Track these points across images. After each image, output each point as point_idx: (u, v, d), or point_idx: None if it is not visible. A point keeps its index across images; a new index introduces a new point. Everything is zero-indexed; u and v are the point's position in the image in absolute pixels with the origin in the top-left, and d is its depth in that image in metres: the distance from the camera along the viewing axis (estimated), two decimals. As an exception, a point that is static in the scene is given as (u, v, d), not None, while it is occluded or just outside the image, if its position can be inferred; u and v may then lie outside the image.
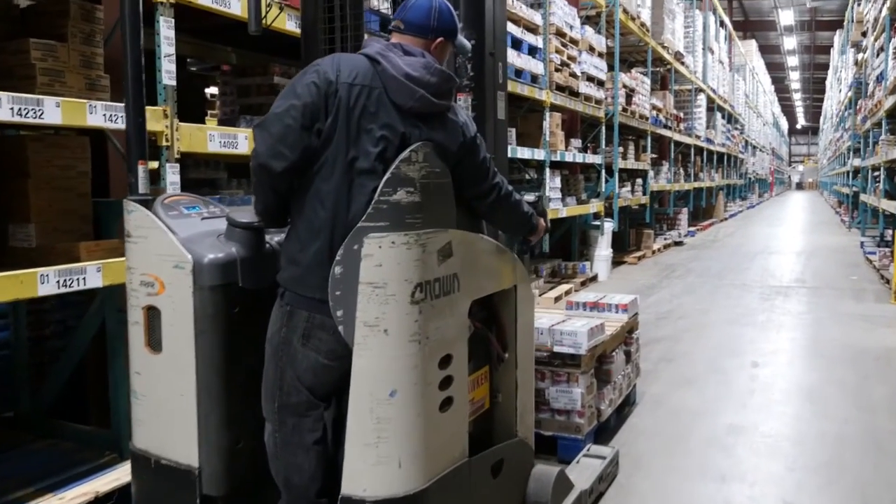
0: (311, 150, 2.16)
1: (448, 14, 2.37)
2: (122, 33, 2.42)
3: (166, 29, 3.30)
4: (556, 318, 4.11)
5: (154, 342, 2.38)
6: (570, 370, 3.79)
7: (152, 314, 2.37)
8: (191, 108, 5.36)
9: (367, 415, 2.05)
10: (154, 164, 3.24)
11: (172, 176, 3.36)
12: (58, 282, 2.90)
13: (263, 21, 2.82)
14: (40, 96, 2.80)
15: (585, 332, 3.76)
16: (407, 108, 2.20)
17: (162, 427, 2.42)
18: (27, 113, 2.73)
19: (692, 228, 17.45)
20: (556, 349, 3.80)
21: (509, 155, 7.19)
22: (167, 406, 2.39)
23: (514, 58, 7.03)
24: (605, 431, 4.15)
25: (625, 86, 11.35)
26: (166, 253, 2.33)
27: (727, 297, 8.96)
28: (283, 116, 2.15)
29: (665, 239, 15.05)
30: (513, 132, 7.62)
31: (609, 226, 10.59)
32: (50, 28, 3.19)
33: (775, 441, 4.16)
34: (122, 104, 3.19)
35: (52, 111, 2.82)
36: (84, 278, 2.99)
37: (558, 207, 8.63)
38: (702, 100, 18.63)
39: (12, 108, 2.67)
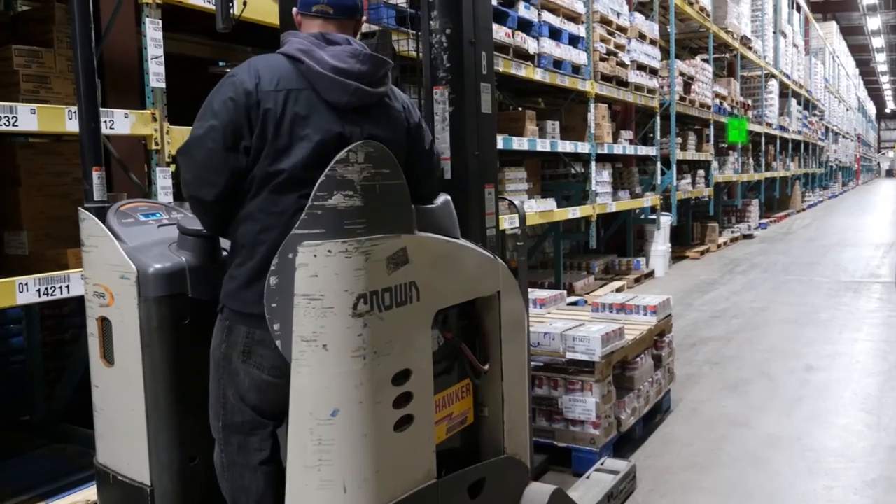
0: (240, 170, 2.00)
1: None
2: (72, 34, 2.32)
3: (153, 30, 3.22)
4: (574, 322, 3.88)
5: (108, 355, 2.28)
6: (584, 378, 3.57)
7: (105, 326, 2.28)
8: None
9: (307, 435, 1.89)
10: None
11: (163, 180, 3.30)
12: (38, 290, 2.86)
13: (233, 15, 2.69)
14: (14, 103, 2.75)
15: (599, 337, 3.53)
16: (342, 105, 2.02)
17: (118, 442, 2.32)
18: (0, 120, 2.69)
19: (764, 220, 16.74)
20: (569, 355, 3.59)
21: (549, 149, 6.98)
22: (121, 421, 2.29)
23: (552, 48, 6.78)
24: (628, 442, 3.90)
25: (682, 73, 10.89)
26: (114, 263, 2.23)
27: (790, 293, 8.48)
28: (204, 140, 1.98)
29: (733, 232, 14.46)
30: (556, 125, 7.37)
31: (666, 220, 10.20)
32: (36, 34, 3.16)
33: (817, 455, 3.83)
34: (115, 109, 3.17)
35: (28, 118, 2.77)
36: (67, 286, 2.95)
37: (606, 202, 8.31)
38: (773, 86, 17.83)
39: (-20, 116, 2.63)
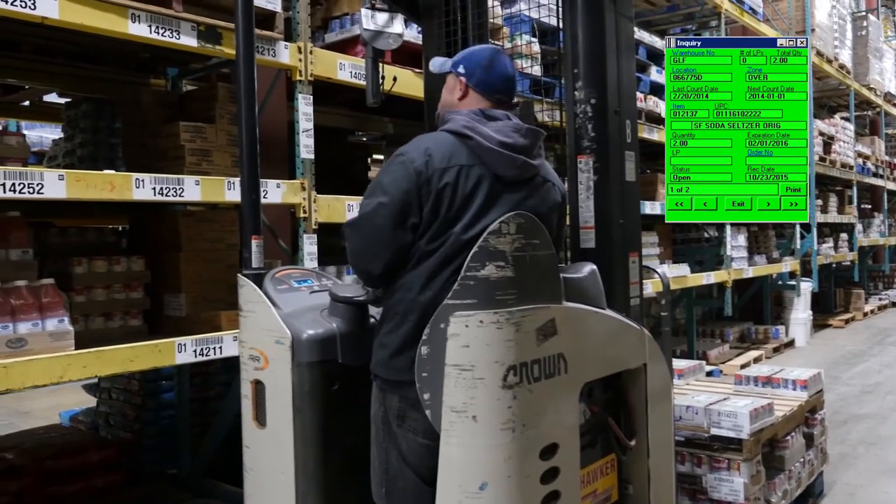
0: (406, 245, 2.05)
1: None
2: (238, 113, 2.50)
3: (304, 105, 3.41)
4: (717, 395, 3.70)
5: (261, 416, 2.35)
6: (731, 456, 3.37)
7: (259, 388, 2.36)
8: (355, 176, 5.57)
9: None
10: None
11: (310, 246, 3.44)
12: (195, 350, 3.02)
13: (382, 90, 2.81)
14: (181, 175, 2.97)
15: (748, 413, 3.34)
16: (511, 178, 2.07)
17: (267, 503, 2.38)
18: (168, 192, 2.90)
19: (915, 287, 15.52)
20: (714, 431, 3.41)
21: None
22: (270, 483, 2.35)
23: (685, 111, 6.67)
24: (778, 527, 3.64)
25: (821, 133, 10.43)
26: (269, 328, 2.31)
27: (952, 368, 7.78)
28: (374, 217, 2.04)
29: (880, 299, 13.51)
30: (689, 188, 7.19)
31: (807, 286, 9.66)
32: (201, 111, 3.42)
33: None
34: (268, 179, 3.35)
35: (192, 188, 2.98)
36: (220, 347, 3.10)
37: (742, 267, 7.98)
38: (922, 144, 16.74)
39: (154, 188, 2.85)
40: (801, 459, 3.87)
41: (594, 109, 2.55)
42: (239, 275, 2.48)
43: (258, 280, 2.45)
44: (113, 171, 3.59)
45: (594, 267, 2.28)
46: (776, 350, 8.71)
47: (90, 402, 5.02)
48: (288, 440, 2.26)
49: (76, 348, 2.75)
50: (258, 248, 2.49)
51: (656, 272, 3.18)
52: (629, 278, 2.62)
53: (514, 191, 2.08)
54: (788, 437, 3.73)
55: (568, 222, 2.53)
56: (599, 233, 2.55)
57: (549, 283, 2.02)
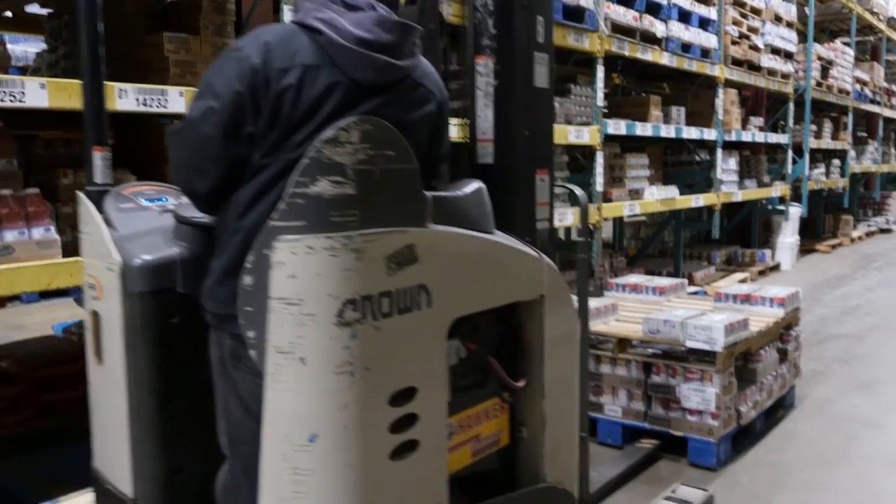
0: (239, 159, 1.69)
1: None
2: (75, 6, 2.17)
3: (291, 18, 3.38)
4: (696, 311, 3.80)
5: (100, 351, 2.05)
6: (705, 367, 3.49)
7: (97, 320, 2.04)
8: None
9: (281, 462, 1.59)
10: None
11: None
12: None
13: None
14: (165, 87, 2.96)
15: (723, 327, 3.44)
16: (368, 83, 1.70)
17: (107, 448, 2.11)
18: (152, 103, 2.90)
19: (905, 214, 15.63)
20: (690, 344, 3.52)
21: (673, 135, 6.82)
22: (108, 425, 2.07)
23: (681, 31, 6.60)
24: (747, 436, 3.79)
25: (820, 58, 10.33)
26: (101, 252, 1.98)
27: (932, 292, 7.94)
28: (201, 124, 1.67)
29: (869, 226, 13.62)
30: (682, 111, 7.17)
31: (796, 211, 9.74)
32: (185, 21, 3.38)
33: (958, 462, 3.61)
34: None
35: (176, 100, 2.98)
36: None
37: (732, 191, 8.02)
38: (922, 70, 16.57)
39: (137, 99, 2.85)
40: (774, 373, 4.01)
41: (496, 2, 2.23)
42: (78, 192, 2.15)
43: (98, 198, 2.10)
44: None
45: (480, 185, 1.95)
46: (762, 273, 8.84)
47: (83, 315, 5.10)
48: (121, 380, 1.96)
49: (63, 257, 2.80)
50: (103, 160, 2.19)
51: (574, 191, 2.80)
52: (535, 199, 2.32)
53: (373, 97, 1.72)
54: (762, 352, 3.86)
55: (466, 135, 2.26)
56: (500, 146, 2.25)
57: (409, 203, 1.69)
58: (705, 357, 3.52)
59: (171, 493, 1.99)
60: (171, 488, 1.99)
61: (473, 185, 1.94)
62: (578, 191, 2.80)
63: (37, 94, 2.61)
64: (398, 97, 1.77)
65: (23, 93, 2.57)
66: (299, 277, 1.54)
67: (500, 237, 1.98)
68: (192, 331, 1.89)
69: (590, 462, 3.54)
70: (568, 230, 8.63)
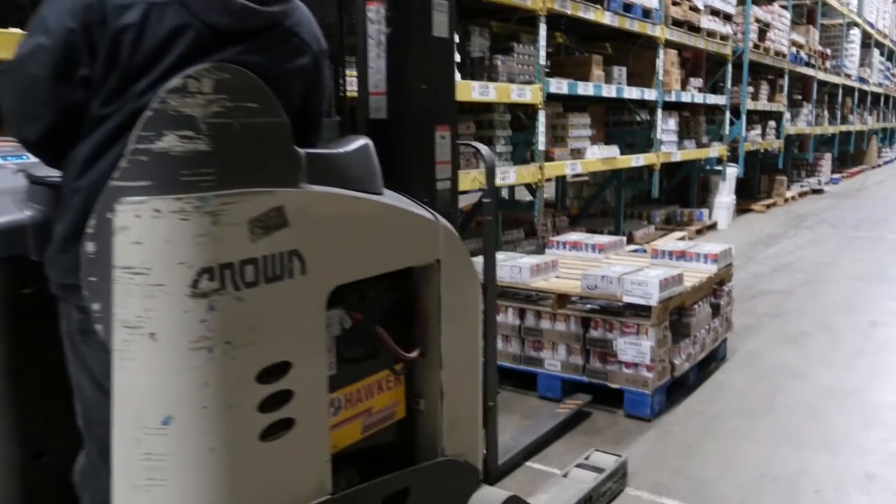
0: (74, 105, 1.52)
1: None
2: None
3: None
4: (631, 267, 3.90)
5: None
6: (640, 321, 3.60)
7: None
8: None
9: (132, 448, 1.45)
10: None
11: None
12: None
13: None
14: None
15: (657, 282, 3.54)
16: (223, 28, 1.51)
17: None
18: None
19: (836, 176, 16.16)
20: (626, 299, 3.61)
21: (615, 95, 6.88)
22: None
23: (623, -9, 6.64)
24: (681, 388, 3.93)
25: (757, 20, 10.51)
26: None
27: (858, 249, 8.27)
28: (30, 63, 1.49)
29: (802, 186, 14.05)
30: (623, 71, 7.24)
31: (732, 171, 9.98)
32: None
33: (875, 408, 3.80)
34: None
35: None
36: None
37: (671, 151, 8.17)
38: (855, 35, 17.01)
39: None
40: (707, 327, 4.15)
41: None
42: None
43: None
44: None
45: (366, 142, 1.81)
46: (699, 232, 9.07)
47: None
48: None
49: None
50: None
51: (479, 150, 2.65)
52: (435, 157, 2.17)
53: (231, 45, 1.54)
54: (696, 306, 3.98)
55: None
56: (393, 100, 2.11)
57: (277, 162, 1.54)
58: (641, 312, 3.62)
59: (30, 480, 1.84)
60: (31, 474, 1.84)
61: (357, 143, 1.80)
62: (484, 149, 2.65)
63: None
64: (264, 46, 1.59)
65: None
66: (146, 244, 1.39)
67: (389, 198, 1.84)
68: (48, 302, 1.70)
69: (529, 416, 3.65)
70: (512, 189, 8.69)
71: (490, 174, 2.55)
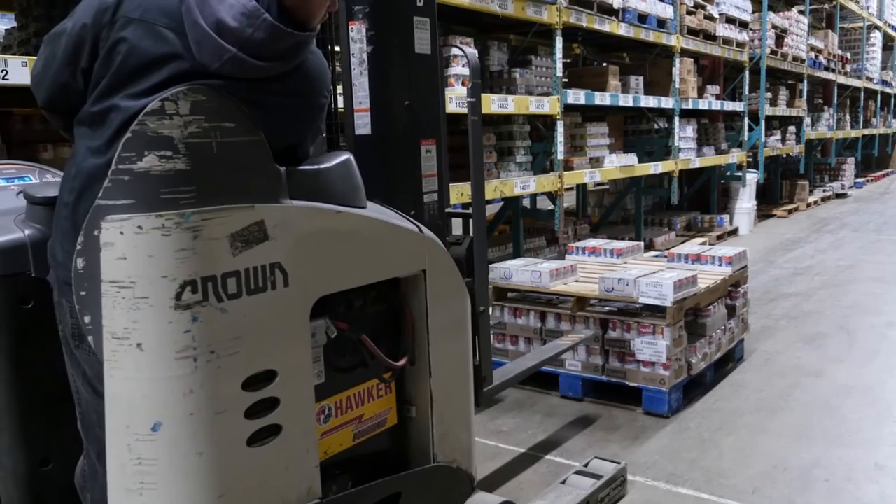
0: (72, 91, 1.63)
1: None
2: None
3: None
4: (648, 270, 4.04)
5: None
6: (656, 322, 3.74)
7: None
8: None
9: (125, 453, 1.53)
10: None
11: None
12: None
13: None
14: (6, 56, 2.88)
15: (672, 283, 3.69)
16: (214, 70, 1.54)
17: None
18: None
19: (860, 180, 16.13)
20: (642, 300, 3.76)
21: (632, 104, 7.04)
22: None
23: (637, 2, 6.79)
24: (698, 386, 4.07)
25: (774, 26, 10.60)
26: None
27: (879, 252, 8.31)
28: (55, 40, 1.63)
29: (824, 191, 14.04)
30: (640, 80, 7.40)
31: (752, 176, 10.07)
32: None
33: (888, 405, 3.90)
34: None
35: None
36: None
37: (690, 158, 8.29)
38: (876, 38, 17.01)
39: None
40: (723, 328, 4.28)
41: None
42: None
43: None
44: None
45: (348, 157, 1.85)
46: (720, 237, 9.16)
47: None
48: None
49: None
50: None
51: (464, 52, 2.61)
52: (421, 170, 2.24)
53: (218, 78, 1.56)
54: (711, 307, 4.12)
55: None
56: (378, 116, 2.18)
57: (257, 179, 1.60)
58: (657, 312, 3.76)
59: (37, 487, 1.92)
60: (38, 481, 1.91)
61: (339, 158, 1.84)
62: (469, 50, 2.65)
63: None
64: (253, 83, 1.59)
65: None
66: (130, 259, 1.47)
67: (372, 211, 1.89)
68: (48, 317, 1.79)
69: (551, 414, 3.81)
70: (533, 198, 8.84)
71: (474, 74, 2.53)
